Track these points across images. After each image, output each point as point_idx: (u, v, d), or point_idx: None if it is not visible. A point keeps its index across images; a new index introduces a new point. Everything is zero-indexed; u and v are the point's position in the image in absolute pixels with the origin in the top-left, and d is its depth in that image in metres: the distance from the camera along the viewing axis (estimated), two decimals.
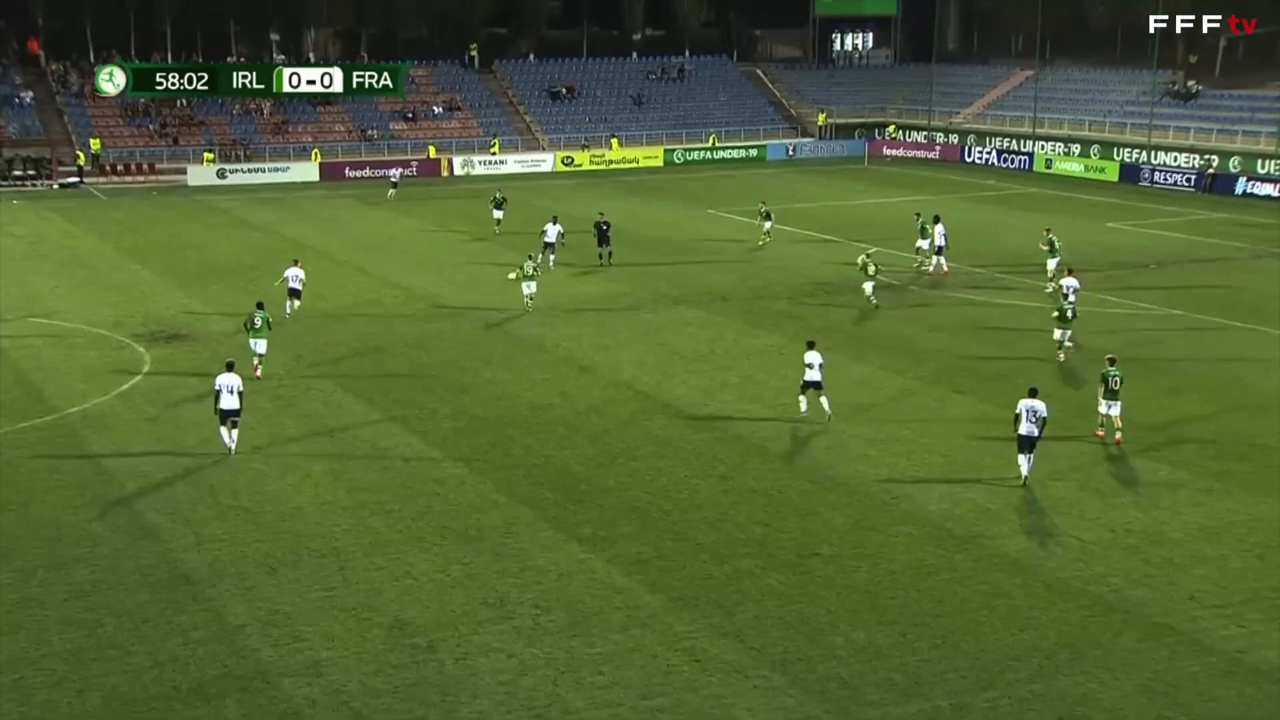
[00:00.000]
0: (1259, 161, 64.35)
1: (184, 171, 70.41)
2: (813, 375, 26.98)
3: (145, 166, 71.16)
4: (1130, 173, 68.16)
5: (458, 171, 74.56)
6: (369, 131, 77.85)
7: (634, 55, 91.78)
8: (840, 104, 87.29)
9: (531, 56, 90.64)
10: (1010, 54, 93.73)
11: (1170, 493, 22.91)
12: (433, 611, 18.57)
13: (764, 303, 38.74)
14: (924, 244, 43.37)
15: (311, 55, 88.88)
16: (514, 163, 76.15)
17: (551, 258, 43.64)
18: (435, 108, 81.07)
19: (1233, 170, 64.64)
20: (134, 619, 18.27)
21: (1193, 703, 16.02)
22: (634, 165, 77.57)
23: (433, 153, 75.41)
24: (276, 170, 71.81)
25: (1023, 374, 29.97)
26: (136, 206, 60.91)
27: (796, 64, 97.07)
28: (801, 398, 27.32)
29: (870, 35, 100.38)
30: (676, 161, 78.70)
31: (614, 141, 79.03)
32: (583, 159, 77.50)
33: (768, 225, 48.64)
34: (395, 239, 51.68)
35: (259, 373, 30.50)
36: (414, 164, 73.77)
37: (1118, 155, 70.45)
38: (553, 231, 44.29)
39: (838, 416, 27.31)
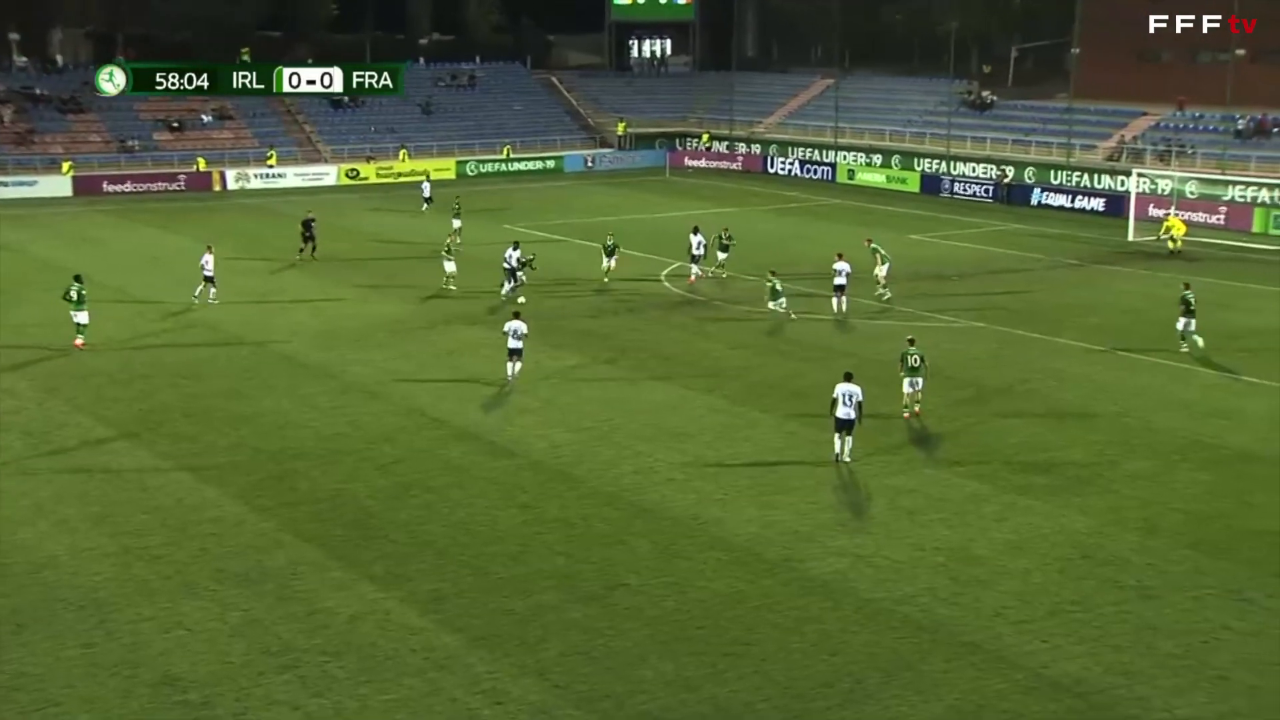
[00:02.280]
0: (1051, 172, 68.10)
1: None
2: (514, 344, 31.57)
3: None
4: (931, 183, 71.19)
5: (231, 186, 72.52)
6: (129, 142, 74.97)
7: (421, 61, 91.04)
8: (640, 113, 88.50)
9: (310, 61, 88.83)
10: (810, 62, 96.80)
11: (976, 508, 23.95)
12: (208, 664, 17.94)
13: (564, 321, 38.91)
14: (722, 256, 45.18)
15: (59, 58, 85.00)
16: (293, 176, 74.47)
17: (509, 285, 41.58)
18: (204, 116, 78.66)
19: (1028, 181, 68.21)
20: None
21: None
22: (424, 178, 76.76)
23: (202, 165, 73.16)
24: (21, 184, 68.33)
25: (827, 391, 30.92)
26: None
27: (593, 71, 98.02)
28: (509, 364, 31.69)
29: (669, 41, 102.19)
30: (469, 174, 78.30)
31: (402, 152, 78.21)
32: (369, 171, 76.37)
33: (609, 262, 44.62)
34: (161, 260, 49.89)
35: (79, 342, 33.91)
36: (181, 178, 71.45)
37: (918, 165, 73.49)
38: (512, 257, 41.81)
39: (644, 440, 27.71)
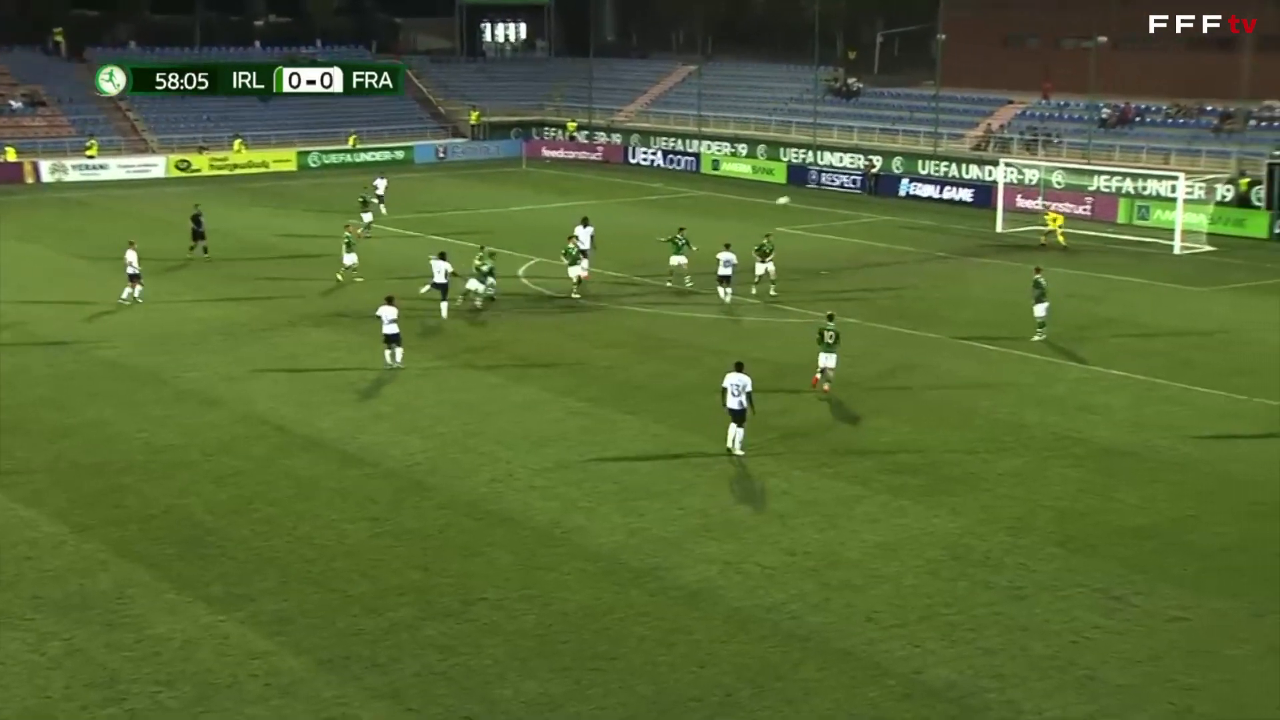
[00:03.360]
0: (919, 162, 69.68)
1: None
2: (390, 329, 32.96)
3: None
4: (798, 174, 72.27)
5: (45, 178, 70.25)
6: None
7: (257, 44, 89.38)
8: (493, 101, 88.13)
9: (133, 44, 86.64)
10: (671, 47, 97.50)
11: (847, 510, 24.37)
12: (22, 699, 17.36)
13: (418, 321, 38.48)
14: (678, 260, 43.19)
15: None
16: (117, 167, 72.50)
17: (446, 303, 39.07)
18: (13, 102, 76.09)
19: (896, 171, 69.69)
20: None
21: None
22: (263, 170, 75.46)
23: (12, 155, 70.77)
24: None
25: (696, 391, 31.25)
26: None
27: (444, 57, 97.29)
28: (386, 351, 33.01)
29: (523, 25, 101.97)
30: (312, 165, 77.18)
31: (236, 143, 76.61)
32: (201, 163, 74.71)
33: (579, 271, 42.30)
34: None
35: None
36: None
37: (785, 156, 74.53)
38: (440, 269, 39.17)
39: (504, 445, 27.65)
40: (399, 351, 33.34)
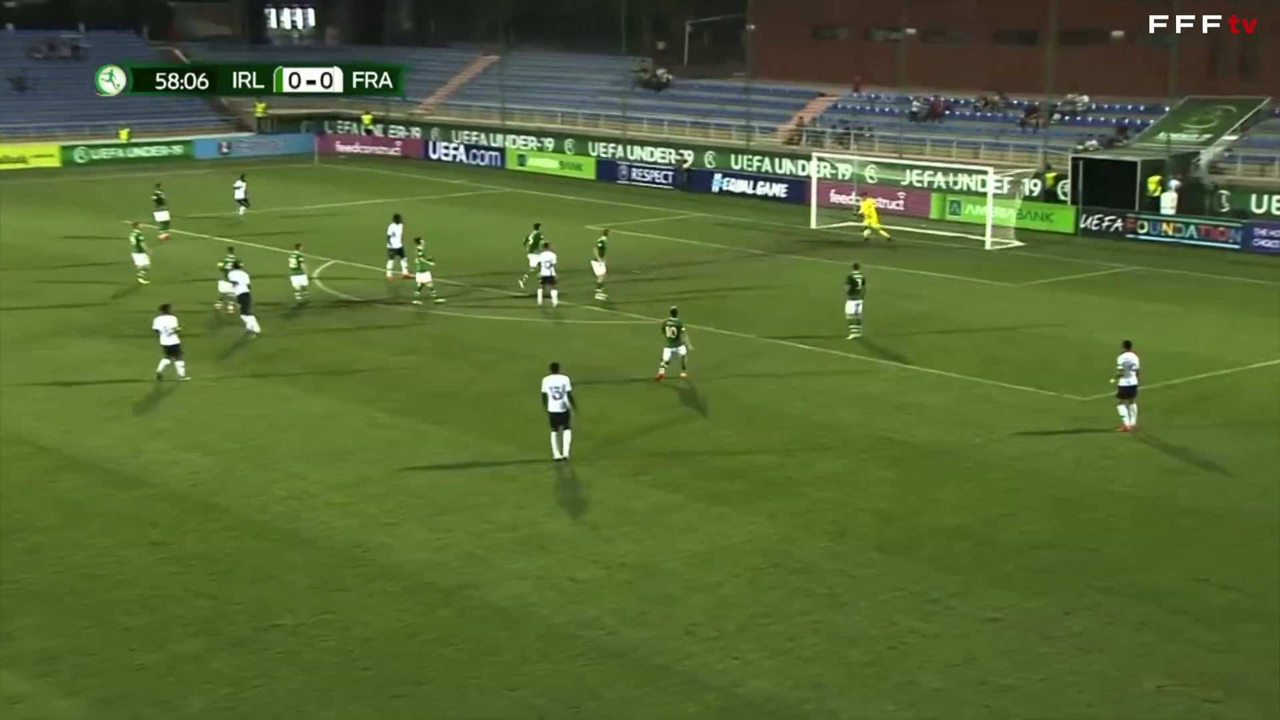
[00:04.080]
0: (732, 156, 70.76)
1: None
2: (170, 340, 31.84)
3: None
4: (608, 170, 72.64)
5: None
6: None
7: (10, 27, 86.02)
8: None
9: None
10: (471, 36, 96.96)
11: (664, 519, 24.61)
12: None
13: (200, 328, 37.50)
14: (536, 259, 42.31)
15: None
16: None
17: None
18: None
19: (708, 166, 70.63)
20: None
21: None
22: (21, 166, 72.55)
23: None
24: None
25: (505, 397, 31.24)
26: None
27: (224, 44, 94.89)
28: (164, 360, 31.97)
29: (311, 12, 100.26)
30: (79, 161, 74.54)
31: None
32: None
33: (426, 277, 41.45)
34: None
35: None
36: None
37: (594, 151, 74.84)
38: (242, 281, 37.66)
39: (298, 461, 27.21)
40: (180, 364, 32.40)
